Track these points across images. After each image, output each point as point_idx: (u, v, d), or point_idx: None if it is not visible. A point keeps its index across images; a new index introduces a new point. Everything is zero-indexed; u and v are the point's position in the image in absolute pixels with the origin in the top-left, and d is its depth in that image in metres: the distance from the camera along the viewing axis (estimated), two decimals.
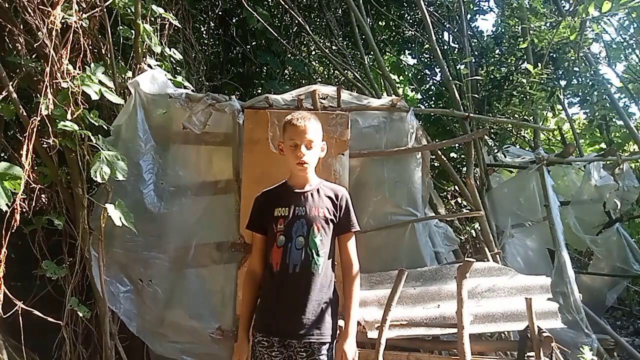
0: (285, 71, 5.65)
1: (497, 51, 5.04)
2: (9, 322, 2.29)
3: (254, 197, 1.96)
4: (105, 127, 2.81)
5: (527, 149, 5.24)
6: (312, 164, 1.80)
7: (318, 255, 1.75)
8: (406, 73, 6.37)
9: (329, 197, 1.82)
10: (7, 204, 2.09)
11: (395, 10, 5.58)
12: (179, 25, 3.62)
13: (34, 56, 2.86)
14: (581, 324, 3.28)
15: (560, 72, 4.75)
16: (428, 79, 5.94)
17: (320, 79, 5.92)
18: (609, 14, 3.69)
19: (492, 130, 4.57)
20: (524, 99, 4.18)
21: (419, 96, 6.37)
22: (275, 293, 1.77)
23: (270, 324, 1.78)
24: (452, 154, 5.07)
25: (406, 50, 6.13)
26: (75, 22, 2.58)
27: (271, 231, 1.81)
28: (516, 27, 4.64)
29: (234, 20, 5.24)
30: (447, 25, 5.26)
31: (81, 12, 2.70)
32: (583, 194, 4.38)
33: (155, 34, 3.21)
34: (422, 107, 5.52)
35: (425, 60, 5.85)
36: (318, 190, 1.82)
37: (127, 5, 3.02)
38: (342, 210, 1.83)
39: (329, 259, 1.79)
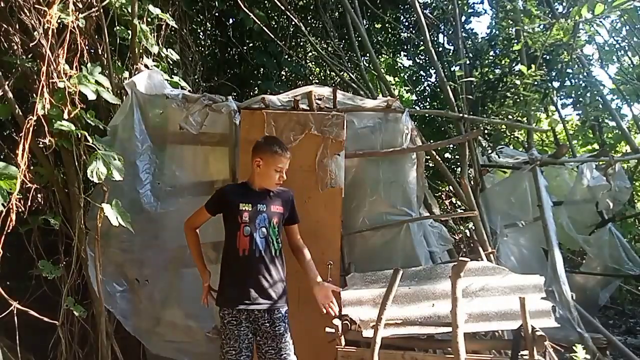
0: (282, 72, 5.67)
1: (491, 53, 5.09)
2: (4, 322, 2.29)
3: None
4: (102, 127, 2.82)
5: (520, 149, 5.29)
6: None
7: (276, 241, 2.22)
8: (401, 74, 6.41)
9: (281, 196, 2.30)
10: (2, 204, 2.09)
11: (390, 13, 5.62)
12: (176, 26, 3.62)
13: (30, 56, 2.86)
14: (573, 322, 3.31)
15: (554, 74, 4.80)
16: (423, 80, 5.99)
17: (316, 80, 5.95)
18: (602, 17, 3.73)
19: (486, 131, 4.61)
20: (518, 100, 4.23)
21: (414, 97, 6.42)
22: (243, 272, 2.16)
23: (238, 297, 2.15)
24: (446, 155, 5.12)
25: (401, 52, 6.18)
26: (71, 22, 2.58)
27: (235, 221, 2.20)
28: (510, 29, 4.68)
29: (230, 22, 5.25)
30: (442, 28, 5.30)
31: (78, 12, 2.70)
32: (576, 194, 4.43)
33: (152, 34, 3.22)
34: (417, 108, 5.57)
35: (420, 61, 5.90)
36: (272, 191, 2.28)
37: (123, 5, 3.03)
38: (291, 207, 2.34)
39: (281, 244, 2.26)
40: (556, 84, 4.99)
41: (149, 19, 3.22)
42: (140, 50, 3.12)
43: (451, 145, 4.65)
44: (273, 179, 2.24)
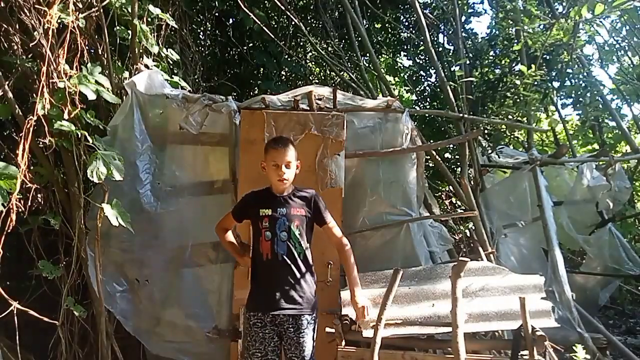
0: (282, 72, 5.67)
1: (491, 53, 5.10)
2: (4, 322, 2.29)
3: None
4: (102, 127, 2.82)
5: (520, 149, 5.30)
6: (290, 180, 2.19)
7: (299, 244, 2.15)
8: (401, 74, 6.42)
9: (303, 199, 2.22)
10: (2, 204, 2.09)
11: (391, 13, 5.62)
12: (176, 26, 3.62)
13: (30, 56, 2.86)
14: (574, 322, 3.31)
15: (554, 74, 4.81)
16: (423, 80, 5.99)
17: (316, 80, 5.96)
18: (602, 17, 3.74)
19: (486, 131, 4.61)
20: (518, 100, 4.24)
21: (414, 97, 6.42)
22: (267, 277, 2.14)
23: (263, 301, 2.13)
24: (446, 155, 5.12)
25: (401, 52, 6.18)
26: (71, 22, 2.57)
27: (257, 227, 2.17)
28: (510, 29, 4.69)
29: (230, 22, 5.26)
30: (442, 27, 5.30)
31: (78, 12, 2.70)
32: (576, 194, 4.44)
33: (152, 34, 3.22)
34: (417, 108, 5.57)
35: (421, 61, 5.90)
36: (294, 194, 2.22)
37: (123, 5, 3.03)
38: (315, 207, 2.22)
39: (307, 247, 2.18)
40: (556, 84, 5.00)
41: (149, 19, 3.22)
42: (140, 50, 3.12)
43: (451, 145, 4.65)
44: (274, 176, 2.17)
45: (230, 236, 2.36)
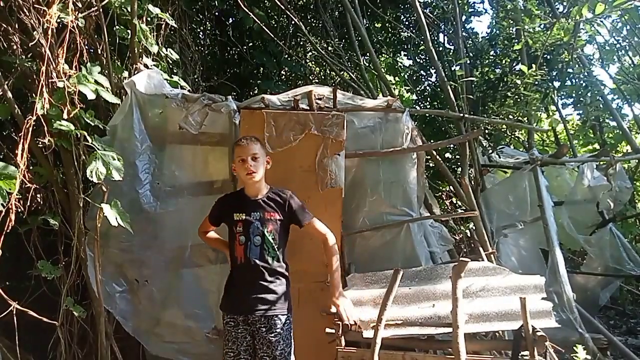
0: (282, 72, 5.67)
1: (491, 52, 5.09)
2: (4, 322, 2.28)
3: None
4: (101, 127, 2.81)
5: (521, 149, 5.29)
6: (259, 173, 2.19)
7: (272, 249, 2.18)
8: (402, 74, 6.41)
9: (277, 202, 2.22)
10: (2, 204, 2.09)
11: (391, 12, 5.61)
12: (176, 26, 3.61)
13: (29, 56, 2.85)
14: (575, 323, 3.31)
15: (554, 74, 4.80)
16: (423, 80, 5.98)
17: (316, 80, 5.95)
18: (602, 16, 3.73)
19: (486, 131, 4.61)
20: (518, 99, 4.23)
21: (414, 97, 6.41)
22: (240, 280, 2.19)
23: (235, 303, 2.19)
24: (447, 155, 5.11)
25: (402, 52, 6.17)
26: (71, 21, 2.57)
27: (232, 231, 2.21)
28: (510, 28, 4.68)
29: (230, 21, 5.25)
30: (442, 27, 5.29)
31: (77, 12, 2.69)
32: (576, 194, 4.44)
33: (152, 34, 3.21)
34: (418, 108, 5.55)
35: (421, 61, 5.89)
36: (268, 197, 2.22)
37: (123, 5, 3.02)
38: (289, 210, 2.22)
39: (281, 251, 2.20)
40: (557, 84, 4.99)
41: (149, 19, 3.21)
42: (140, 50, 3.11)
43: (452, 145, 4.64)
44: (242, 172, 2.18)
45: (213, 234, 2.42)
